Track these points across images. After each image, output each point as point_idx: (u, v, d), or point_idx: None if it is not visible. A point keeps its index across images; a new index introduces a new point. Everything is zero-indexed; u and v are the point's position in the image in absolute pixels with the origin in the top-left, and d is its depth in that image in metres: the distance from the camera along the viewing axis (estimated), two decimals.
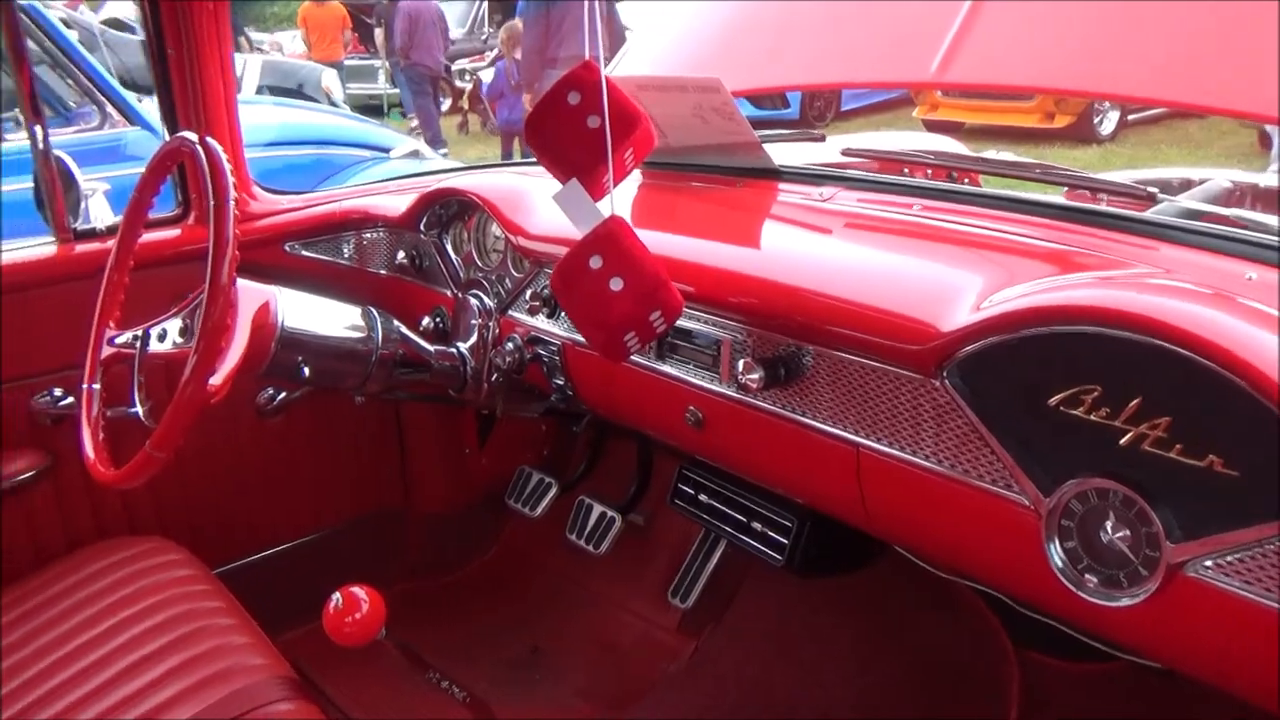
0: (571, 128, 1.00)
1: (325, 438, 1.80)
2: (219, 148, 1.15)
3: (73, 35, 3.79)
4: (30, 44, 3.15)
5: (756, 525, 1.37)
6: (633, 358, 1.15)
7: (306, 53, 9.42)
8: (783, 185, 1.36)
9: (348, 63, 9.59)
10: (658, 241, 1.20)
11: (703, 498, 1.46)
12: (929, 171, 1.53)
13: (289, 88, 7.08)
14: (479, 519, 2.00)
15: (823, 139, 1.66)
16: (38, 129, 1.49)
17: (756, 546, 1.37)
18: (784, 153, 1.42)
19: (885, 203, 1.22)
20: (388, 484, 1.91)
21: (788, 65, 1.50)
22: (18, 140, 3.59)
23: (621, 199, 1.15)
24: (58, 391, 1.49)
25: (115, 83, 3.29)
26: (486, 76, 8.37)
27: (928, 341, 0.91)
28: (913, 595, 1.52)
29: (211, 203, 1.10)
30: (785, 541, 1.34)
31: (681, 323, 1.17)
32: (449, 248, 1.63)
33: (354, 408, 1.46)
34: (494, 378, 1.48)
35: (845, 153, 1.48)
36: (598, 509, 1.75)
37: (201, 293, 1.21)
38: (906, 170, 1.57)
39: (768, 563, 1.36)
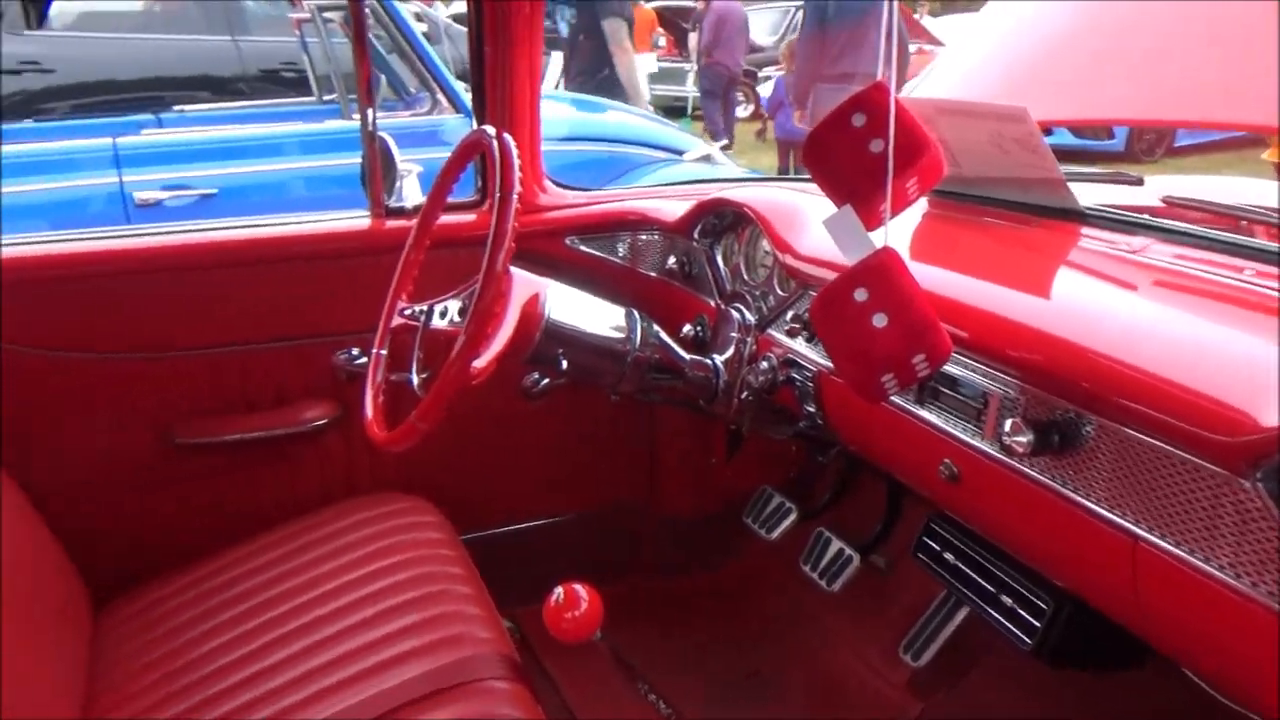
0: (852, 151, 0.95)
1: (580, 427, 1.86)
2: (512, 144, 1.21)
3: (420, 28, 4.21)
4: (381, 33, 3.55)
5: (1006, 599, 1.25)
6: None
7: None
8: (1086, 230, 1.23)
9: (659, 65, 9.94)
10: (933, 277, 1.12)
11: (949, 556, 1.35)
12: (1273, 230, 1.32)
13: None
14: (714, 531, 1.98)
15: (1140, 182, 1.48)
16: (369, 112, 1.65)
17: (1003, 623, 1.25)
18: (1093, 194, 1.28)
19: (1210, 263, 1.06)
20: (632, 480, 1.94)
21: (1112, 96, 1.35)
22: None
23: (901, 226, 1.08)
24: (355, 351, 1.64)
25: (449, 73, 3.60)
26: (765, 90, 8.37)
27: (1242, 434, 0.77)
28: (1183, 714, 1.32)
29: (497, 194, 1.15)
30: (1037, 624, 1.20)
31: (948, 368, 1.08)
32: (719, 258, 1.62)
33: (612, 402, 1.50)
34: (744, 395, 1.45)
35: (1167, 200, 1.31)
36: (836, 544, 1.67)
37: (478, 278, 1.28)
38: (1244, 223, 1.36)
39: (1014, 642, 1.24)
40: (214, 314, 1.58)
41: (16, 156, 3.33)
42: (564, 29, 5.06)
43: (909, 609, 1.64)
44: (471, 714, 1.13)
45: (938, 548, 1.37)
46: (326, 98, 4.53)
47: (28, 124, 4.09)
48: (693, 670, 1.72)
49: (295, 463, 1.68)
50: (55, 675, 1.22)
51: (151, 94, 4.64)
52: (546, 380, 1.78)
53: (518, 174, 1.17)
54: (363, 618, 1.30)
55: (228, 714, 1.18)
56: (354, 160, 3.50)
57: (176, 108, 4.34)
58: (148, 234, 1.62)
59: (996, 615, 1.26)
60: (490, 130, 1.25)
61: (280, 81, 5.29)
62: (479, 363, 1.17)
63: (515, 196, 1.14)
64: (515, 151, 1.19)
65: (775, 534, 1.75)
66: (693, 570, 1.98)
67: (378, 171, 1.66)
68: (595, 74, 5.09)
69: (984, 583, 1.29)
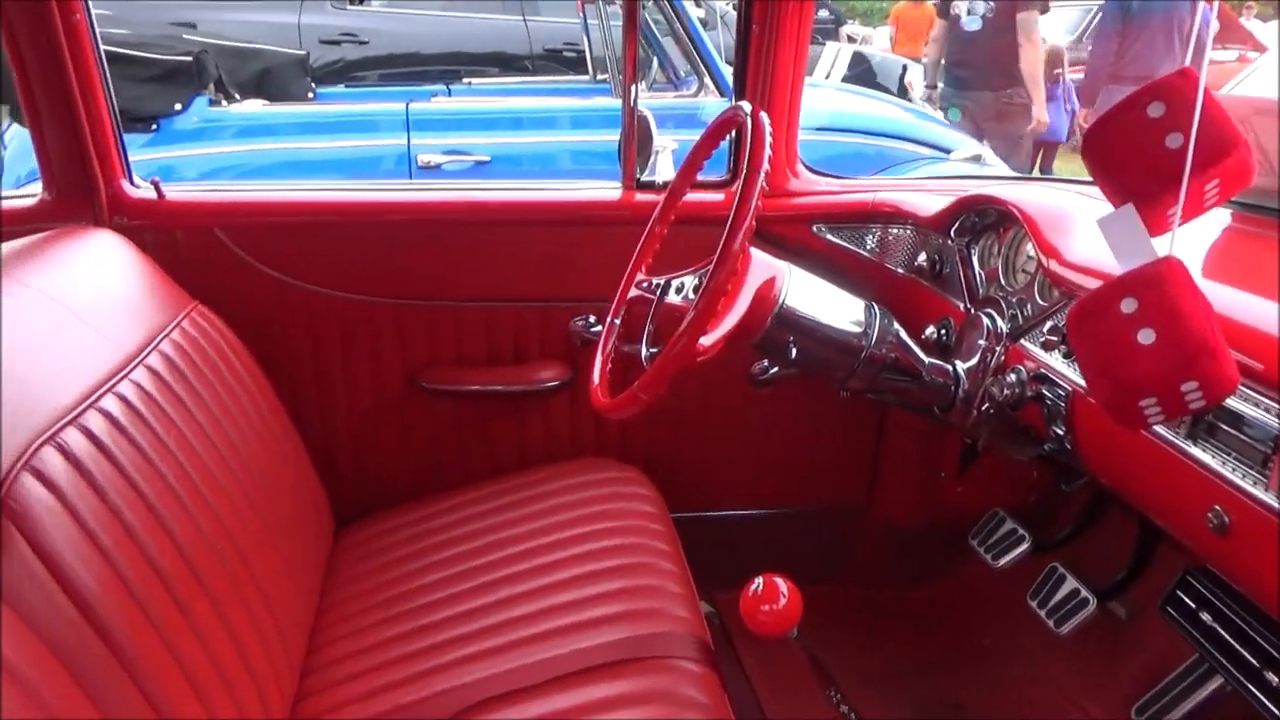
0: (1143, 144, 0.84)
1: (805, 420, 1.81)
2: (766, 122, 1.18)
3: (698, 13, 4.25)
4: (659, 17, 3.62)
5: (1272, 677, 1.08)
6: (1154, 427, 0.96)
7: (890, 48, 9.51)
8: None
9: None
10: (1227, 298, 0.98)
11: (1205, 616, 1.19)
12: None
13: (860, 75, 7.21)
14: (932, 547, 1.87)
15: None
16: (631, 87, 1.68)
17: (1267, 705, 1.08)
18: None
19: None
20: (851, 482, 1.87)
21: None
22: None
23: (1192, 235, 0.95)
24: (592, 318, 1.69)
25: (719, 58, 3.62)
26: None
27: None
28: None
29: (745, 171, 1.13)
30: None
31: (1232, 402, 0.94)
32: (974, 259, 1.52)
33: (841, 399, 1.44)
34: (985, 407, 1.35)
35: None
36: (1071, 583, 1.52)
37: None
38: None
39: None
40: (465, 269, 1.67)
41: (325, 116, 3.72)
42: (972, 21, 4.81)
43: (1147, 668, 1.47)
44: (657, 689, 1.13)
45: (1193, 604, 1.21)
46: (600, 77, 4.70)
47: (339, 88, 4.55)
48: (891, 689, 1.64)
49: (524, 419, 1.75)
50: (304, 586, 1.34)
51: (449, 67, 5.02)
52: (776, 369, 1.74)
53: (768, 152, 1.14)
54: (569, 576, 1.33)
55: (435, 645, 1.24)
56: (617, 137, 3.60)
57: (466, 80, 4.66)
58: (408, 190, 1.73)
59: (1259, 694, 1.10)
60: (746, 106, 1.23)
61: (561, 60, 5.56)
62: (706, 340, 1.15)
63: (762, 175, 1.11)
64: (768, 129, 1.16)
65: (1003, 562, 1.62)
66: (902, 584, 1.88)
67: (633, 144, 1.69)
68: (984, 65, 4.81)
69: (1246, 653, 1.13)
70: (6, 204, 1.54)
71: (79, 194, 1.50)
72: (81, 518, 0.91)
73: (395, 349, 1.69)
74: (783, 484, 1.85)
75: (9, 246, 1.24)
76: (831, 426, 1.81)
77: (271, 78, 3.98)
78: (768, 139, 1.16)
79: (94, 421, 1.02)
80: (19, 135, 3.24)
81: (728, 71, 3.67)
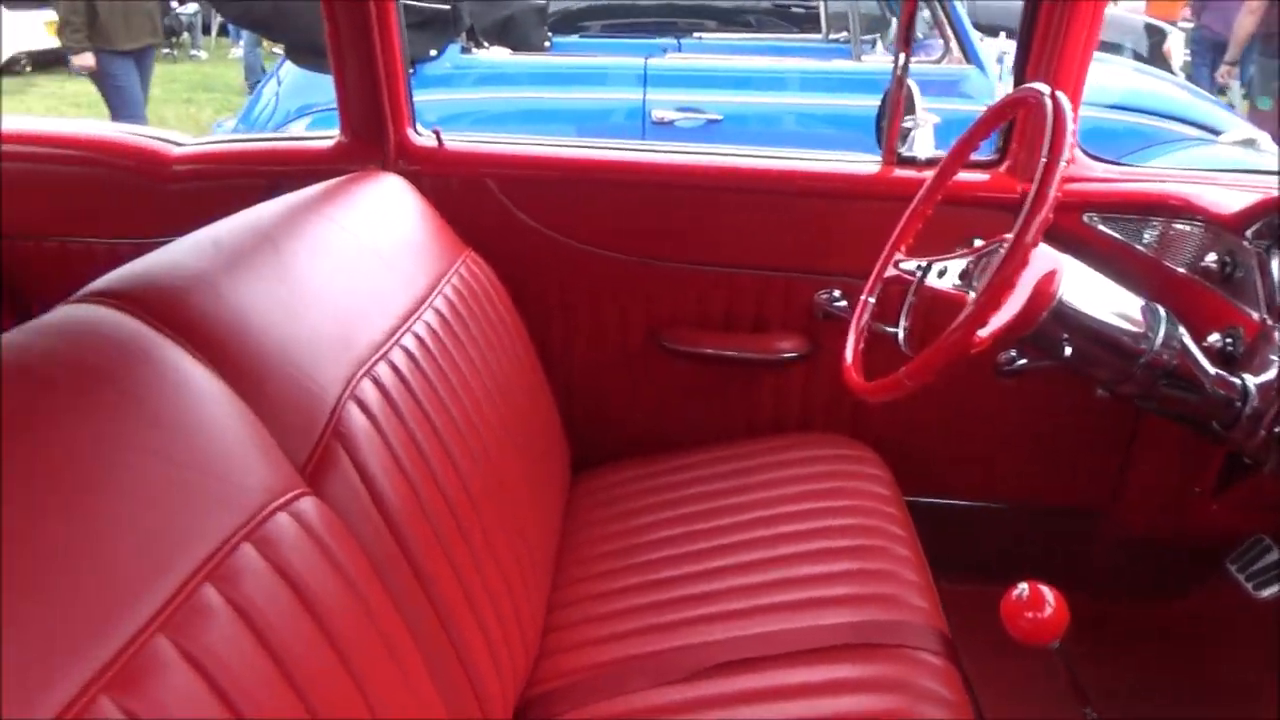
0: None
1: (1050, 416, 1.72)
2: (1067, 106, 1.11)
3: None
4: None
5: None
6: None
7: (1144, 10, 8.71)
8: None
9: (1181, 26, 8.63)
10: None
11: None
12: None
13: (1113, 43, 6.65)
14: (1178, 564, 1.75)
15: None
16: (903, 56, 1.63)
17: None
18: None
19: None
20: (1095, 484, 1.77)
21: None
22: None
23: None
24: (836, 293, 1.66)
25: (968, 23, 3.45)
26: None
27: None
28: None
29: (1044, 159, 1.07)
30: None
31: None
32: (1273, 265, 1.38)
33: (1092, 397, 1.36)
34: (1278, 429, 1.24)
35: None
36: None
37: (995, 243, 1.21)
38: None
39: None
40: (714, 233, 1.69)
41: (559, 68, 3.81)
42: None
43: None
44: (895, 677, 1.12)
45: None
46: (833, 36, 4.58)
47: (574, 39, 4.65)
48: (1136, 712, 1.55)
49: (757, 386, 1.76)
50: (550, 525, 1.42)
51: (667, 19, 5.03)
52: (1024, 360, 1.67)
53: (1070, 139, 1.08)
54: (802, 550, 1.34)
55: (671, 600, 1.29)
56: (849, 102, 3.50)
57: (696, 34, 4.65)
58: (668, 152, 1.75)
59: None
60: (1044, 89, 1.16)
61: (787, 17, 5.45)
62: (983, 332, 1.11)
63: (1064, 164, 1.06)
64: (1070, 114, 1.10)
65: (1266, 593, 1.49)
66: (1142, 598, 1.78)
67: (898, 118, 1.63)
68: None
69: None
70: (307, 144, 1.68)
71: (372, 139, 1.61)
72: (390, 444, 1.00)
73: (639, 306, 1.73)
74: (1019, 478, 1.78)
75: (319, 188, 1.35)
76: (1078, 425, 1.72)
77: (514, 25, 4.12)
78: (1070, 125, 1.10)
79: (397, 356, 1.11)
80: (291, 74, 3.51)
81: (976, 37, 3.50)
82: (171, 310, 0.87)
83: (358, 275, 1.18)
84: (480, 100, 3.56)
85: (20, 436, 0.66)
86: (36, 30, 10.09)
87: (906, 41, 1.62)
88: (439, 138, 1.65)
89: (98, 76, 5.21)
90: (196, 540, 0.71)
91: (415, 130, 1.66)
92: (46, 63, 10.04)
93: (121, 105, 5.24)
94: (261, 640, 0.71)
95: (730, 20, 5.25)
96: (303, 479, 0.86)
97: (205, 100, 8.73)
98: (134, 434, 0.73)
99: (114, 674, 0.61)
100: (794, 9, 5.48)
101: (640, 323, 1.75)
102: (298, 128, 3.39)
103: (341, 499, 0.90)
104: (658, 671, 1.17)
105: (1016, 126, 1.60)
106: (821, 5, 4.58)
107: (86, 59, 5.05)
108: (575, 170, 1.69)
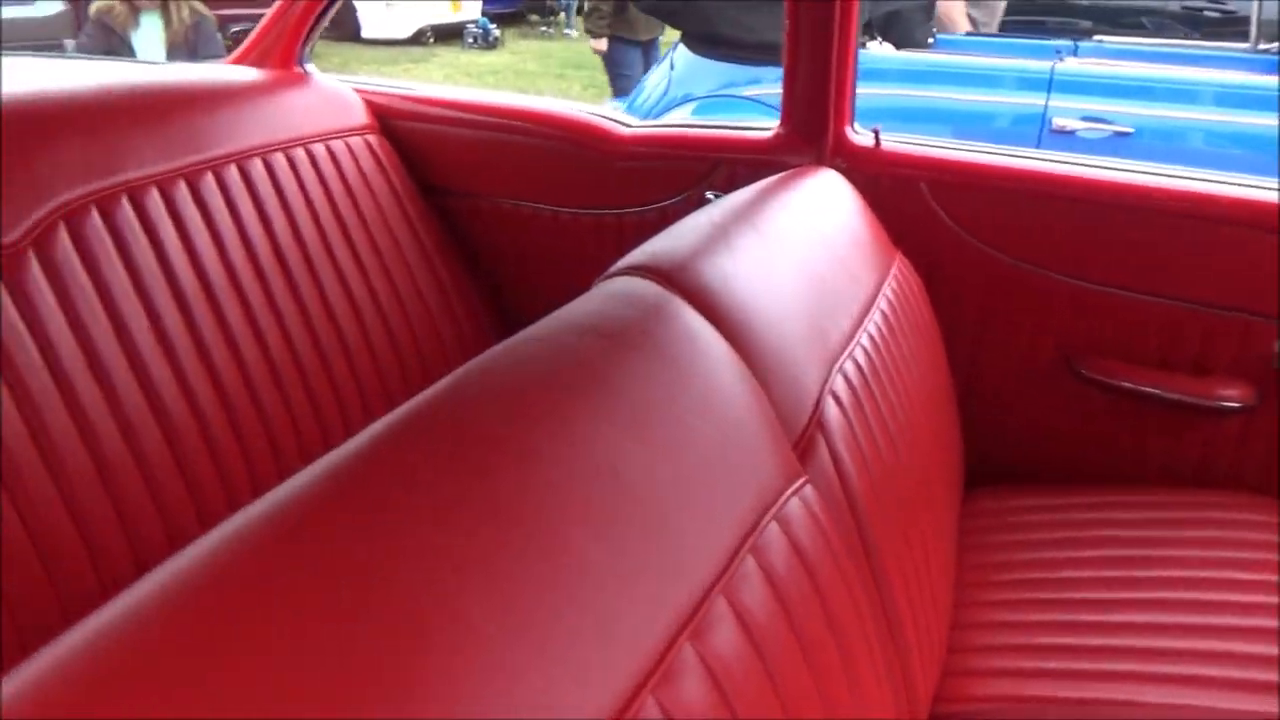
0: None
1: None
2: None
3: None
4: None
5: None
6: None
7: None
8: None
9: None
10: None
11: None
12: None
13: None
14: None
15: None
16: None
17: None
18: None
19: None
20: None
21: None
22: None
23: None
24: None
25: None
26: None
27: None
28: None
29: None
30: None
31: None
32: None
33: None
34: None
35: None
36: None
37: None
38: None
39: None
40: (1160, 261, 1.55)
41: (945, 66, 3.68)
42: None
43: None
44: None
45: None
46: (1262, 47, 4.07)
47: (959, 36, 4.47)
48: None
49: (1185, 433, 1.61)
50: (949, 536, 1.39)
51: (1066, 20, 4.70)
52: None
53: None
54: (1234, 625, 1.21)
55: (1092, 648, 1.21)
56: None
57: (1095, 38, 4.31)
58: (1120, 170, 1.63)
59: None
60: None
61: (1196, 22, 4.92)
62: None
63: None
64: None
65: None
66: None
67: None
68: None
69: None
70: (747, 134, 1.75)
71: (812, 134, 1.65)
72: (859, 439, 1.01)
73: (1056, 327, 1.64)
74: None
75: (773, 179, 1.40)
76: None
77: (898, 21, 4.04)
78: None
79: (858, 353, 1.12)
80: (684, 61, 3.67)
81: None
82: (696, 287, 0.94)
83: (820, 269, 1.21)
84: (861, 96, 3.52)
85: (600, 387, 0.74)
86: (441, 7, 11.39)
87: None
88: (877, 137, 1.65)
89: (607, 61, 5.50)
90: (734, 512, 0.75)
91: (853, 128, 1.67)
92: (447, 35, 11.29)
93: (622, 91, 5.35)
94: (766, 624, 0.72)
95: (1131, 23, 4.83)
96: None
97: (575, 77, 9.41)
98: (675, 396, 0.79)
99: (660, 671, 0.60)
100: (1206, 12, 4.94)
101: (1051, 344, 1.65)
102: (680, 114, 3.54)
103: (819, 491, 0.92)
104: None
105: None
106: (1254, 9, 4.07)
107: (601, 44, 5.35)
108: (1017, 181, 1.62)
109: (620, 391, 0.74)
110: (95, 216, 1.33)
